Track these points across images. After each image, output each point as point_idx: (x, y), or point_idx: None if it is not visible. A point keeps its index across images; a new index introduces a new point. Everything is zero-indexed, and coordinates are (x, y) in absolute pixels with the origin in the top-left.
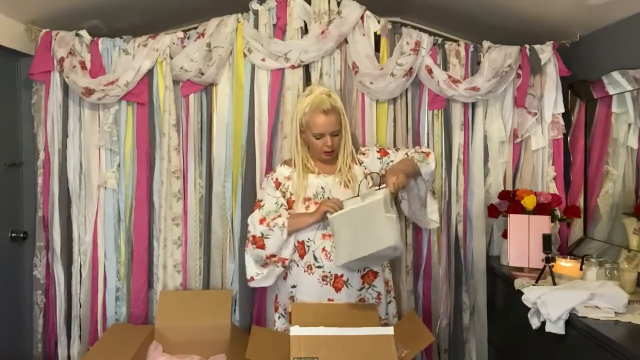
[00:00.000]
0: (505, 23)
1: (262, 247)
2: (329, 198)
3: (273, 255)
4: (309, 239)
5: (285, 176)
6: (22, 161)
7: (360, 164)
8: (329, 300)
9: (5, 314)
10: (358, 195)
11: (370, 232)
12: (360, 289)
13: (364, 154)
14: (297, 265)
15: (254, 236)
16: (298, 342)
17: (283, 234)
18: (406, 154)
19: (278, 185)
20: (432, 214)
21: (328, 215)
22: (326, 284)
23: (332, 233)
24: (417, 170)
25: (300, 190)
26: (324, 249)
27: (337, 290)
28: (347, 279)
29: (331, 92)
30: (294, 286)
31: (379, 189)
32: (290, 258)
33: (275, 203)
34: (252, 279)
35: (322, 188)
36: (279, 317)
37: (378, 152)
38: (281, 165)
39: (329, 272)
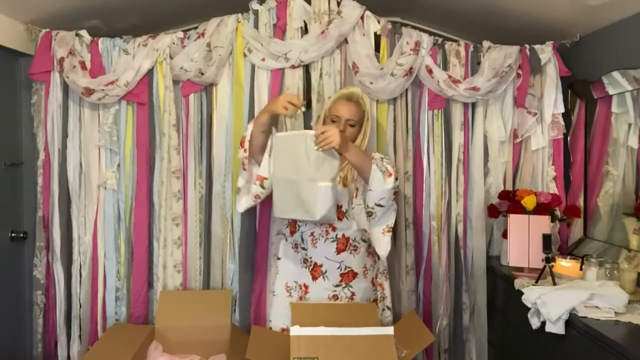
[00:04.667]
0: (505, 23)
1: (243, 144)
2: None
3: (245, 150)
4: (302, 220)
5: None
6: (22, 161)
7: None
8: (304, 285)
9: (5, 314)
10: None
11: (301, 196)
12: (337, 286)
13: None
14: (286, 240)
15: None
16: (298, 342)
17: (249, 126)
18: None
19: None
20: (377, 244)
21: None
22: (305, 268)
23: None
24: (365, 164)
25: None
26: (312, 234)
27: (314, 278)
28: (326, 271)
29: (364, 95)
30: (279, 258)
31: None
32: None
33: None
34: (238, 189)
35: None
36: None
37: None
38: None
39: (310, 258)
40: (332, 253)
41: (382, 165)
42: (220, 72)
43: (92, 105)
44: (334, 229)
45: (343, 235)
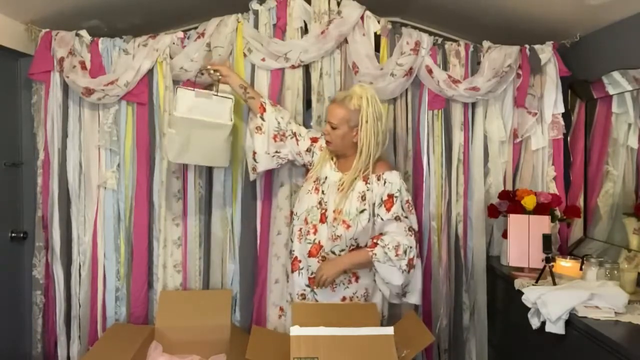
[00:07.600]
0: (505, 23)
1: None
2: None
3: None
4: (296, 214)
5: (322, 145)
6: (22, 161)
7: (366, 182)
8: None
9: (5, 314)
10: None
11: None
12: (307, 286)
13: (379, 179)
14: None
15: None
16: (298, 342)
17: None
18: (376, 243)
19: (315, 141)
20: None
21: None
22: (290, 258)
23: None
24: (366, 263)
25: (318, 165)
26: (300, 230)
27: (293, 270)
28: (302, 268)
29: (363, 96)
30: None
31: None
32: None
33: (299, 133)
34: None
35: (326, 178)
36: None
37: (387, 197)
38: None
39: (293, 251)
40: (305, 254)
41: (383, 252)
42: None
43: (92, 105)
44: (315, 231)
45: (319, 242)
